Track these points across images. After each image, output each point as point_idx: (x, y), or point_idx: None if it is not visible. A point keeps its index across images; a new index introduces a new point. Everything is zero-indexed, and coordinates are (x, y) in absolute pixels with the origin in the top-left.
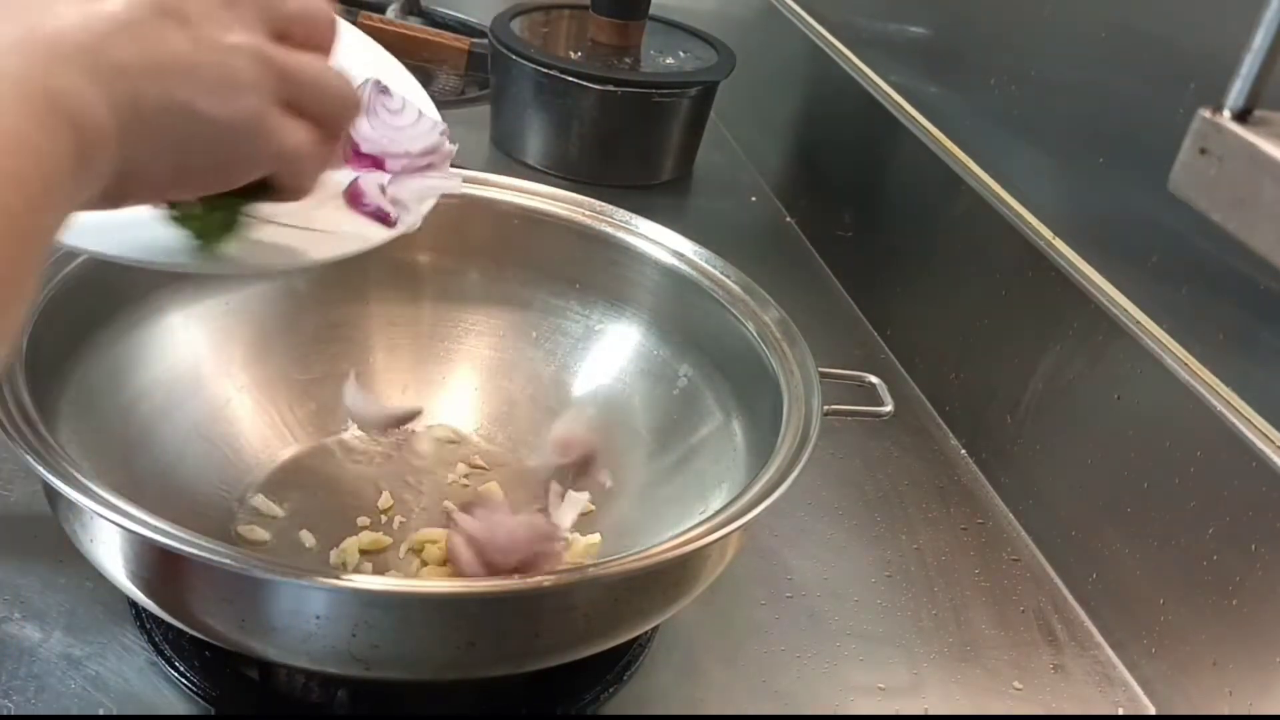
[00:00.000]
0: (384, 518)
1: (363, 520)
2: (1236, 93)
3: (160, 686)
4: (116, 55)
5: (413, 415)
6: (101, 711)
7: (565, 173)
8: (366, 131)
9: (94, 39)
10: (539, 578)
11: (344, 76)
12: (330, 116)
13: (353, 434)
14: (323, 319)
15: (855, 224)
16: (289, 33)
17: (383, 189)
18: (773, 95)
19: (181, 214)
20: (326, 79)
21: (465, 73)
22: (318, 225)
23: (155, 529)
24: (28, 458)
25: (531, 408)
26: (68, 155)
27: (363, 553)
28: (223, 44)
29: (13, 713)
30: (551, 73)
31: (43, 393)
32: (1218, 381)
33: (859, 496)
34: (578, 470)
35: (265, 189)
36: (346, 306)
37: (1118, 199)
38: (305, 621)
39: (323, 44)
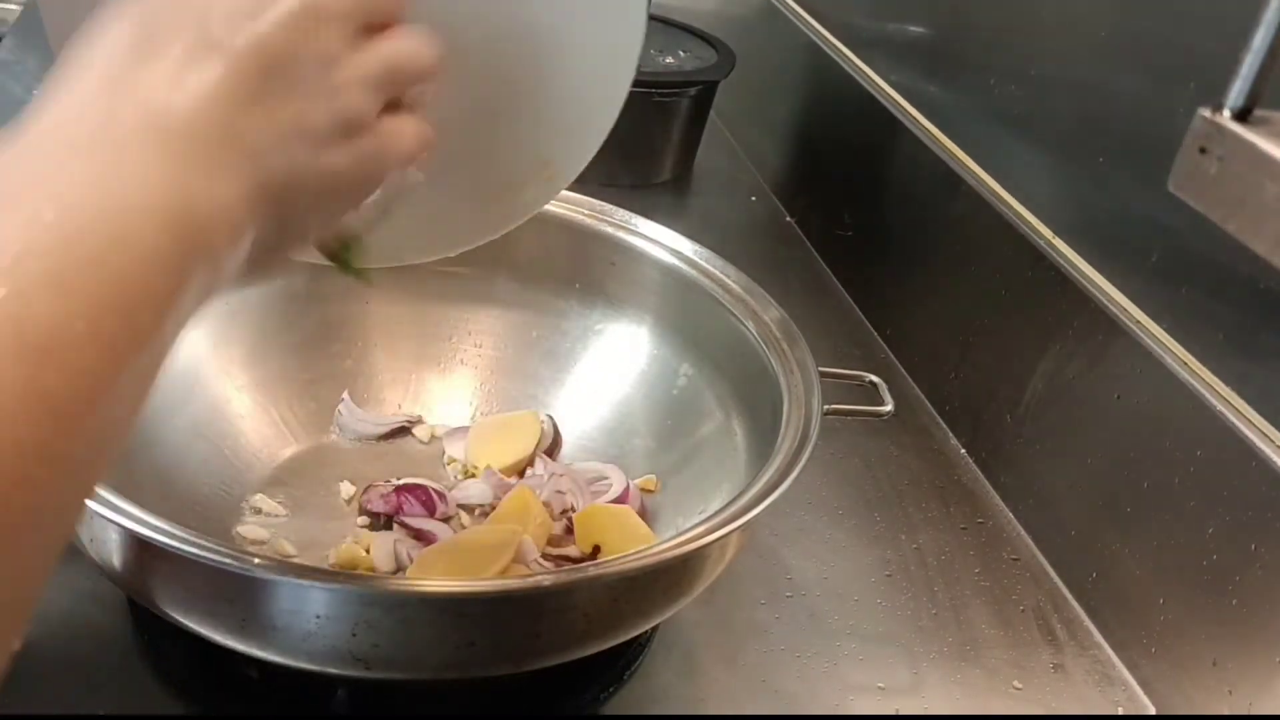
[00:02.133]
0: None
1: (363, 519)
2: (1236, 92)
3: (160, 686)
4: (240, 136)
5: (409, 427)
6: (101, 711)
7: None
8: None
9: (213, 123)
10: (539, 577)
11: (415, 37)
12: (418, 87)
13: None
14: (322, 319)
15: (855, 224)
16: (370, 24)
17: None
18: (773, 95)
19: (329, 254)
20: (410, 56)
21: None
22: None
23: (155, 528)
24: None
25: (531, 408)
26: (205, 261)
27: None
28: (328, 84)
29: (11, 712)
30: None
31: None
32: (1218, 381)
33: (859, 496)
34: None
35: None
36: (346, 306)
37: (1118, 198)
38: (305, 621)
39: (394, 14)
